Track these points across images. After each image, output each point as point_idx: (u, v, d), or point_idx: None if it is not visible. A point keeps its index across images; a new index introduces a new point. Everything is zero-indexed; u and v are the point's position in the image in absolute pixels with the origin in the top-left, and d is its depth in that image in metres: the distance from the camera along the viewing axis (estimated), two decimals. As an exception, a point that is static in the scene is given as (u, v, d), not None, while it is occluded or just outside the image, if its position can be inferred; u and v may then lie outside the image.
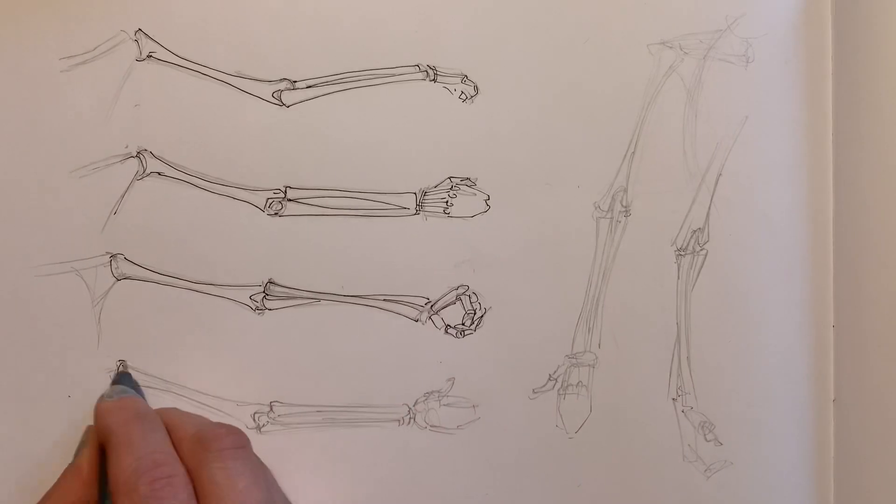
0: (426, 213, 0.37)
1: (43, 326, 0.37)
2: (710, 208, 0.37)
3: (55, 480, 0.36)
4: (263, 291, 0.37)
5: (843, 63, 0.36)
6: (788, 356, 0.37)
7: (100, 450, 0.33)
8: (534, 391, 0.37)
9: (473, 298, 0.37)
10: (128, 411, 0.33)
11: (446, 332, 0.37)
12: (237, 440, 0.32)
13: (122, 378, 0.36)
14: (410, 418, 0.37)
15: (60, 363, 0.37)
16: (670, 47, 0.37)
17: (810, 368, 0.37)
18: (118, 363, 0.37)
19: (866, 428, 0.36)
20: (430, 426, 0.37)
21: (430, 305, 0.37)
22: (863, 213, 0.36)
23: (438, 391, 0.37)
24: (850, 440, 0.36)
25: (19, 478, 0.37)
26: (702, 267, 0.37)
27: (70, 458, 0.37)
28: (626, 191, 0.37)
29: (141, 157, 0.37)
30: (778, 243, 0.37)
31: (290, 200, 0.37)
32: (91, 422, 0.34)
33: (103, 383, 0.37)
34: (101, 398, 0.33)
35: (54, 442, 0.37)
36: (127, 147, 0.37)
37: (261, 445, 0.37)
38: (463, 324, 0.37)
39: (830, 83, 0.37)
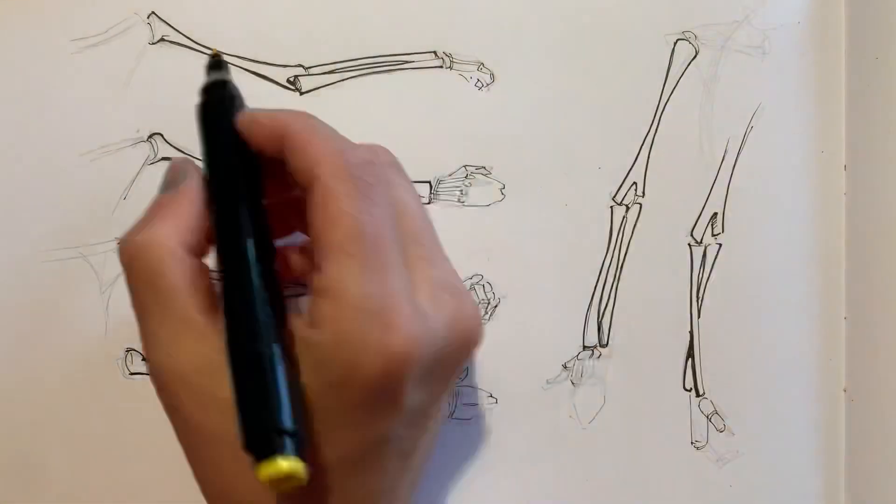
0: (441, 202, 0.37)
1: (49, 313, 0.37)
2: (725, 199, 0.37)
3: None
4: (275, 279, 0.37)
5: (858, 53, 0.37)
6: (801, 347, 0.37)
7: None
8: (547, 381, 0.37)
9: (487, 288, 0.37)
10: (306, 114, 0.30)
11: (460, 321, 0.37)
12: (395, 158, 0.31)
13: (222, 65, 0.32)
14: (423, 408, 0.37)
15: (67, 351, 0.37)
16: (687, 38, 0.37)
17: (822, 359, 0.37)
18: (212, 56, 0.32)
19: (877, 419, 0.36)
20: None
21: (443, 294, 0.37)
22: (875, 205, 0.36)
23: (452, 381, 0.37)
24: (861, 431, 0.36)
25: (24, 467, 0.37)
26: (716, 258, 0.37)
27: (75, 451, 0.36)
28: (642, 181, 0.37)
29: (152, 141, 0.36)
30: (790, 235, 0.37)
31: (302, 187, 0.37)
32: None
33: (111, 371, 0.36)
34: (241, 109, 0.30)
35: (60, 431, 0.37)
36: (138, 131, 0.36)
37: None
38: (477, 313, 0.37)
39: (843, 74, 0.37)
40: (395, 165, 0.31)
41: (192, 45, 0.36)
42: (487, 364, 0.37)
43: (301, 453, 0.25)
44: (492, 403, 0.37)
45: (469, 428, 0.37)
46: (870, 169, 0.36)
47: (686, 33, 0.37)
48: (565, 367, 0.37)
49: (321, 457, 0.27)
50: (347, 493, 0.28)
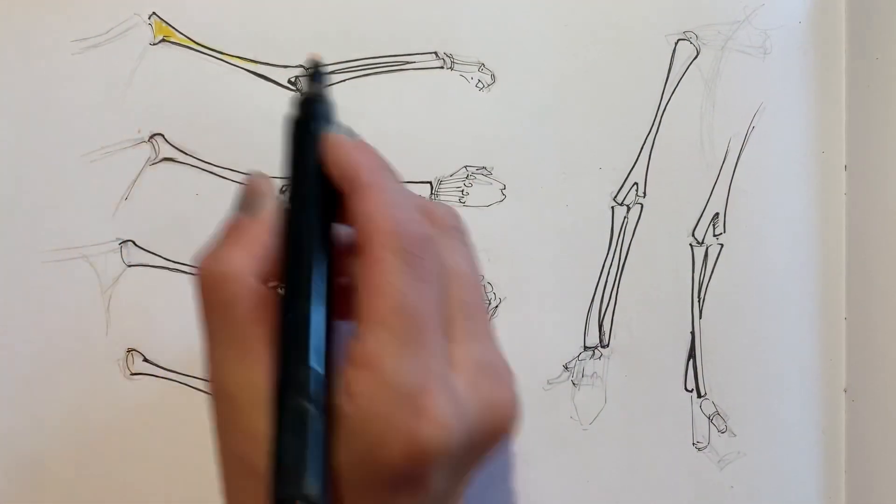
0: (442, 202, 0.37)
1: (50, 314, 0.36)
2: (726, 199, 0.37)
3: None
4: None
5: (858, 53, 0.37)
6: (801, 348, 0.37)
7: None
8: (548, 382, 0.37)
9: (488, 288, 0.37)
10: (377, 157, 0.28)
11: (461, 321, 0.37)
12: (460, 222, 0.30)
13: (321, 75, 0.30)
14: (424, 408, 0.37)
15: (68, 352, 0.36)
16: (688, 38, 0.37)
17: (822, 360, 0.37)
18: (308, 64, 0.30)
19: (877, 419, 0.36)
20: (445, 416, 0.37)
21: (444, 295, 0.37)
22: (875, 205, 0.36)
23: (453, 381, 0.37)
24: (861, 431, 0.36)
25: (24, 467, 0.37)
26: (717, 258, 0.37)
27: (75, 451, 0.36)
28: (643, 181, 0.37)
29: (153, 142, 0.36)
30: (791, 235, 0.37)
31: (303, 188, 0.37)
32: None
33: (111, 371, 0.36)
34: (328, 130, 0.28)
35: (60, 431, 0.37)
36: (139, 132, 0.36)
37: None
38: (478, 313, 0.37)
39: (843, 74, 0.37)
40: (458, 230, 0.30)
41: (193, 46, 0.36)
42: (488, 364, 0.37)
43: None
44: (493, 404, 0.37)
45: (470, 428, 0.37)
46: (870, 169, 0.36)
47: (687, 33, 0.37)
48: (566, 368, 0.37)
49: None
50: None
